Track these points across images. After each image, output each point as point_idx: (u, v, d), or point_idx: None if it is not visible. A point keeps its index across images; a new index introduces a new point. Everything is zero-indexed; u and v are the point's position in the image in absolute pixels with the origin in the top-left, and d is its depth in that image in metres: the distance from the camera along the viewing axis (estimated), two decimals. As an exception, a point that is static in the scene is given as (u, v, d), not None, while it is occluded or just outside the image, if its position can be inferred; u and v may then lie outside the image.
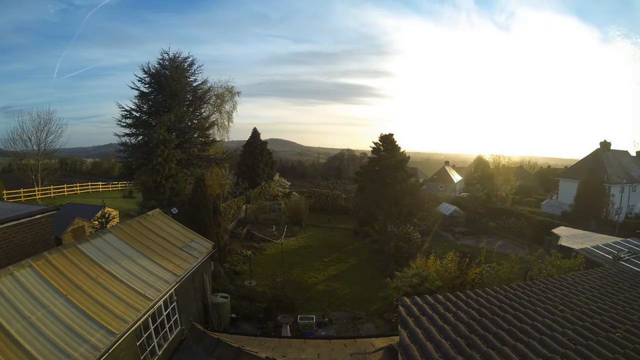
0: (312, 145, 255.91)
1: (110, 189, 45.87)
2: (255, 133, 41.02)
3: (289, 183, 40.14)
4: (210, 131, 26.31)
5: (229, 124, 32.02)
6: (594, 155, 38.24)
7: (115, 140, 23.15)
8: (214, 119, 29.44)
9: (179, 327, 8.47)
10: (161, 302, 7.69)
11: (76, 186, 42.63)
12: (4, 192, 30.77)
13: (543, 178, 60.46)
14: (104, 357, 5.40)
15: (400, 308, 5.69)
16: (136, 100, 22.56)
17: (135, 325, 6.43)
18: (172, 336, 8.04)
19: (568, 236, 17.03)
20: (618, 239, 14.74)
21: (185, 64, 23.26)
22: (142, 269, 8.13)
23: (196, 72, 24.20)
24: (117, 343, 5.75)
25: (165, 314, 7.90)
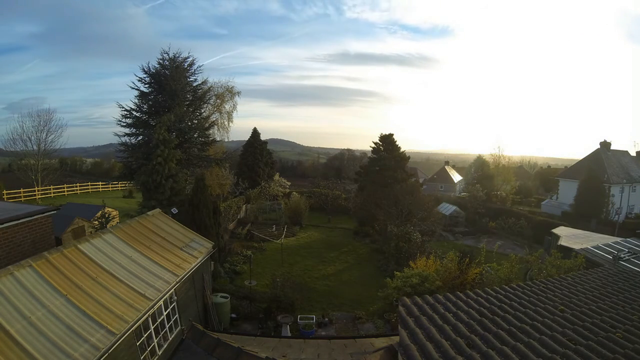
0: (312, 145, 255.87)
1: (110, 189, 45.86)
2: (255, 133, 41.03)
3: (289, 183, 40.13)
4: (210, 131, 26.35)
5: (229, 124, 32.11)
6: (594, 155, 38.22)
7: (115, 140, 23.17)
8: (214, 119, 29.49)
9: (179, 327, 8.47)
10: (161, 302, 7.69)
11: (76, 186, 42.61)
12: (4, 192, 30.75)
13: (543, 178, 60.43)
14: (104, 357, 5.39)
15: (400, 308, 5.69)
16: (136, 100, 22.58)
17: (135, 325, 6.43)
18: (172, 336, 8.04)
19: (568, 236, 17.04)
20: (618, 239, 14.75)
21: (186, 64, 23.26)
22: (142, 269, 8.13)
23: (196, 72, 24.23)
24: (117, 343, 5.75)
25: (165, 314, 7.89)
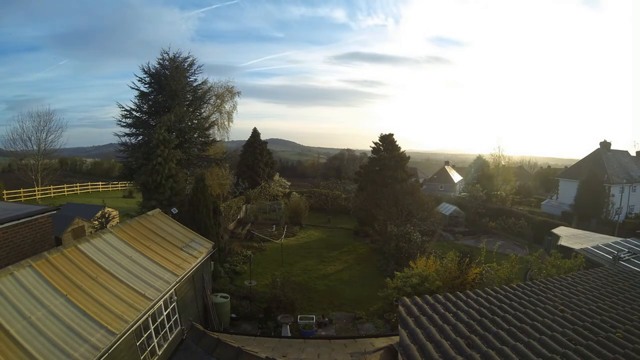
0: (312, 145, 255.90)
1: (110, 189, 45.88)
2: (255, 133, 41.04)
3: (289, 183, 40.12)
4: (210, 131, 26.34)
5: (229, 124, 32.09)
6: (594, 155, 38.23)
7: (115, 140, 23.15)
8: (214, 119, 29.49)
9: (179, 327, 8.47)
10: (161, 302, 7.68)
11: (76, 186, 42.61)
12: (4, 192, 30.77)
13: (543, 178, 60.50)
14: (104, 357, 5.39)
15: (400, 308, 5.69)
16: (136, 100, 22.57)
17: (135, 325, 6.42)
18: (172, 336, 8.03)
19: (568, 236, 17.02)
20: (618, 239, 14.76)
21: (185, 64, 23.25)
22: (142, 269, 8.13)
23: (196, 72, 24.22)
24: (117, 343, 5.75)
25: (165, 314, 7.89)
